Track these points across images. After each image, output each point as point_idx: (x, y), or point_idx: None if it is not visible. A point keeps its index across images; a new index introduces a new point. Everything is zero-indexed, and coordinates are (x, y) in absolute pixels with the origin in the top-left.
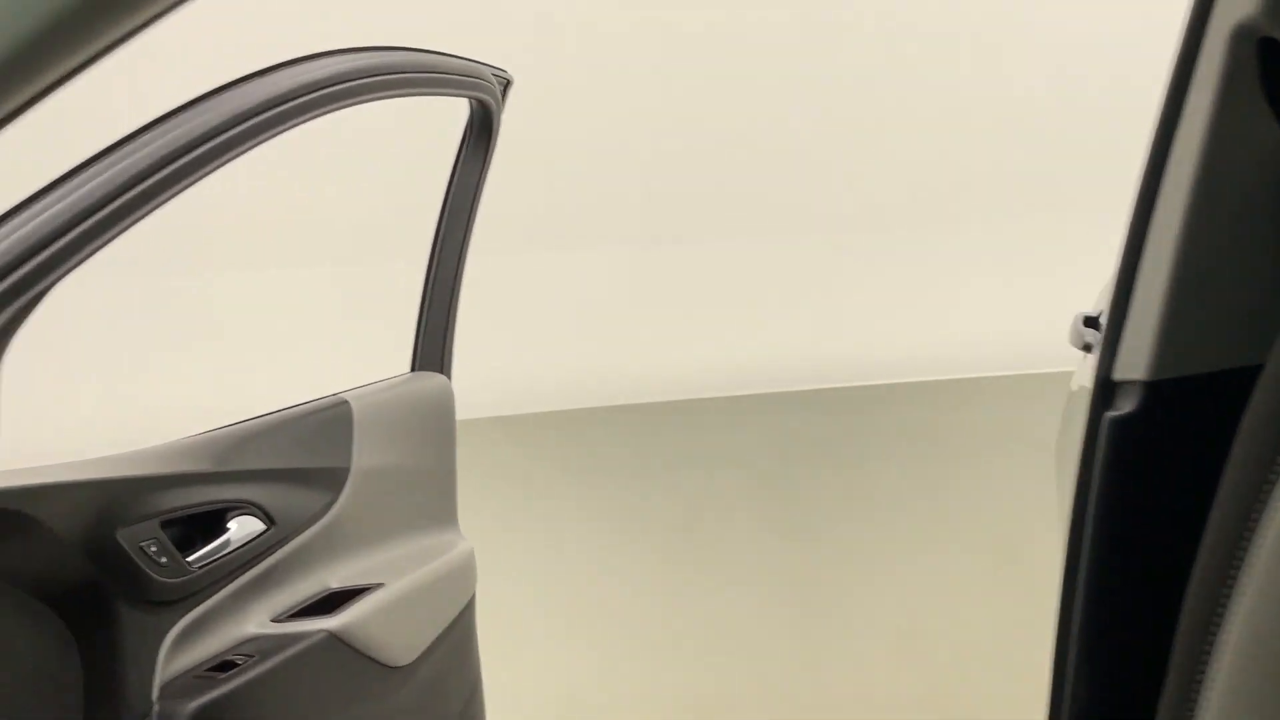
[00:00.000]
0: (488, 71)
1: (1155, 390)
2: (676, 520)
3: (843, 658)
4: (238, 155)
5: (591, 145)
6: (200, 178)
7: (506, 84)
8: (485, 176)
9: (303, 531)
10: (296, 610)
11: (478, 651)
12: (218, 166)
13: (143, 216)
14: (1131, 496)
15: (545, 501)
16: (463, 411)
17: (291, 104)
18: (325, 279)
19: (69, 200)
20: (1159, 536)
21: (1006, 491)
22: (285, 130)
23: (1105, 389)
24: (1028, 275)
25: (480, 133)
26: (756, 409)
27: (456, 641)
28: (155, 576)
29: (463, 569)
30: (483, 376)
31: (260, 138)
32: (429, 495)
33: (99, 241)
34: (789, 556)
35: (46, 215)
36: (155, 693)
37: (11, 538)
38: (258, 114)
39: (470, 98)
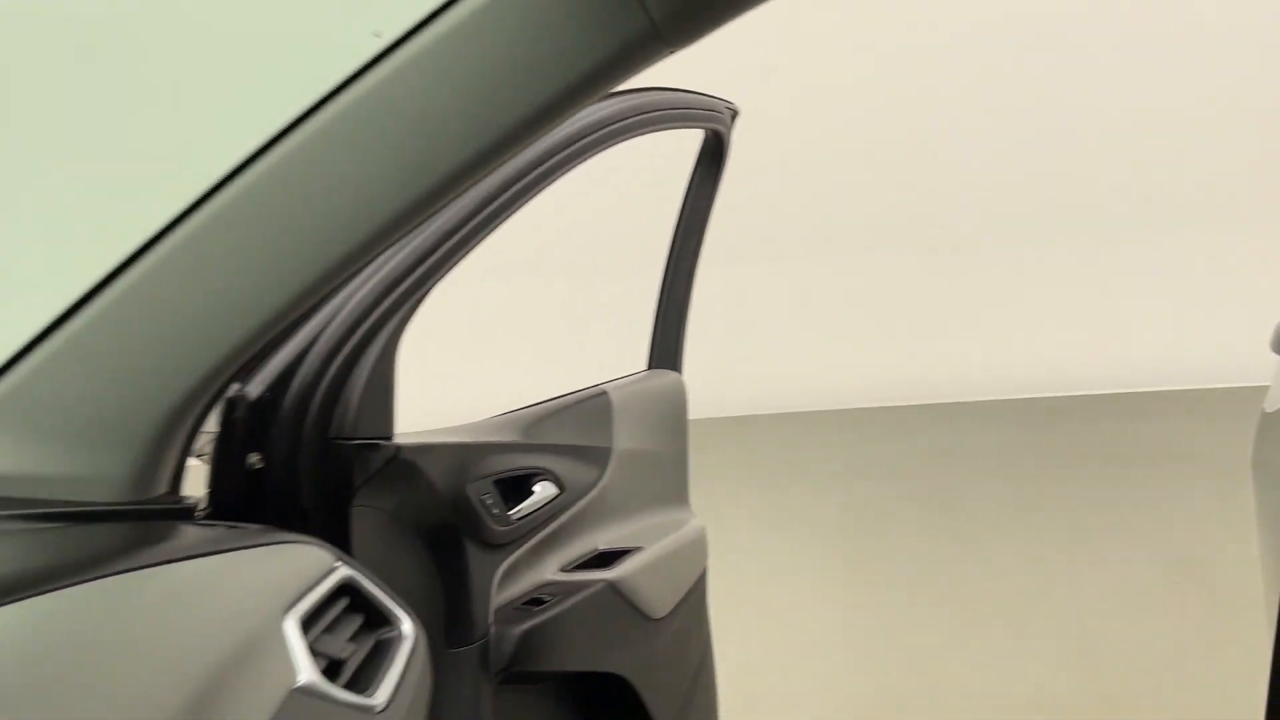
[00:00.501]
0: (721, 104)
1: None
2: (854, 527)
3: (1013, 665)
4: (535, 194)
5: (782, 163)
6: (508, 216)
7: (734, 114)
8: (715, 196)
9: (582, 498)
10: (576, 564)
11: (709, 615)
12: (520, 206)
13: (477, 244)
14: None
15: (720, 503)
16: None
17: (585, 140)
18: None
19: (436, 224)
20: None
21: (1179, 504)
22: (579, 164)
23: None
24: (1200, 290)
25: (713, 158)
26: (933, 419)
27: (695, 604)
28: (490, 524)
29: (699, 541)
30: None
31: (557, 174)
32: (668, 476)
33: (452, 261)
34: (963, 565)
35: (420, 238)
36: (490, 617)
37: (405, 483)
38: (560, 150)
39: (706, 129)
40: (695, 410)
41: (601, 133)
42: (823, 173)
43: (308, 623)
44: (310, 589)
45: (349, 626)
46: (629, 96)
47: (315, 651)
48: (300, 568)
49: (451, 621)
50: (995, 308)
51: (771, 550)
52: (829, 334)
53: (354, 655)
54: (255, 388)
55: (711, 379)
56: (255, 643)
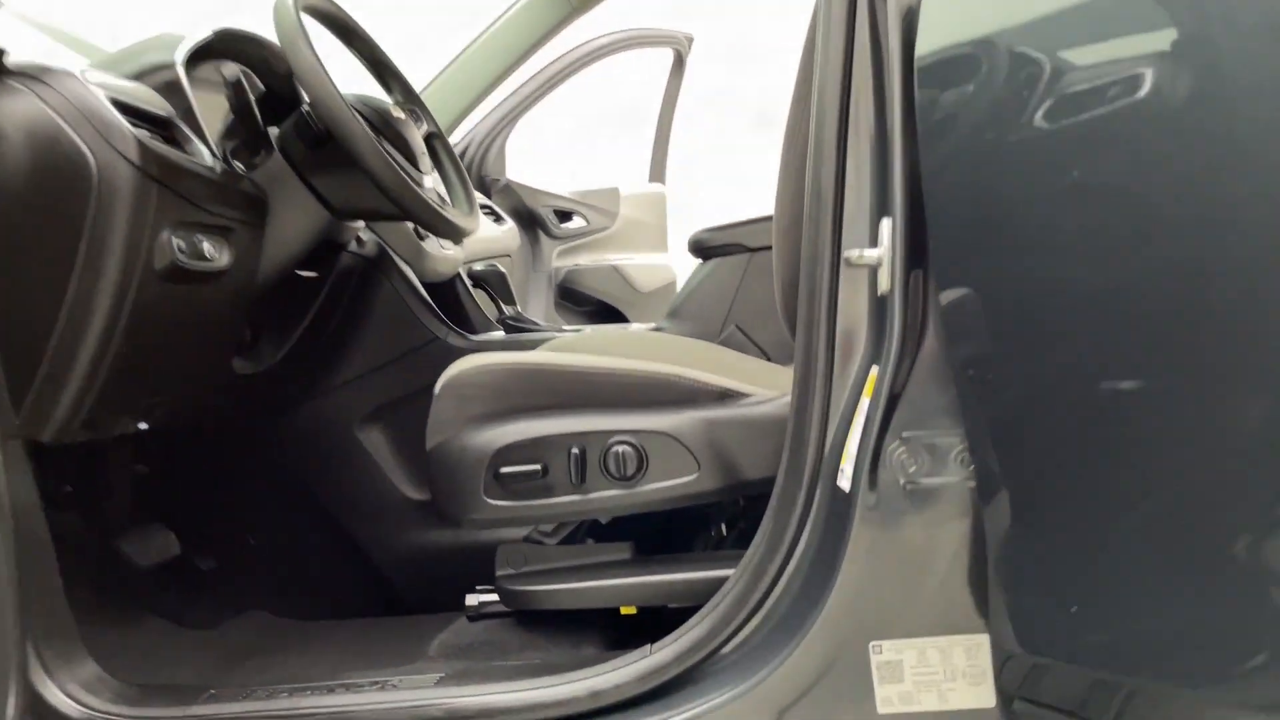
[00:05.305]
0: (681, 34)
1: None
2: None
3: None
4: (568, 79)
5: None
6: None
7: (690, 40)
8: (680, 91)
9: (600, 232)
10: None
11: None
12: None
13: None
14: None
15: None
16: None
17: (602, 49)
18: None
19: (518, 95)
20: None
21: None
22: (599, 61)
23: None
24: None
25: (678, 67)
26: None
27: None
28: (550, 230)
29: (669, 267)
30: None
31: (582, 70)
32: (651, 234)
33: (523, 113)
34: None
35: None
36: (553, 265)
37: (513, 194)
38: (587, 57)
39: (674, 48)
40: None
41: (611, 46)
42: None
43: None
44: None
45: None
46: (635, 30)
47: None
48: None
49: (533, 259)
50: None
51: None
52: None
53: None
54: (459, 145)
55: None
56: None
